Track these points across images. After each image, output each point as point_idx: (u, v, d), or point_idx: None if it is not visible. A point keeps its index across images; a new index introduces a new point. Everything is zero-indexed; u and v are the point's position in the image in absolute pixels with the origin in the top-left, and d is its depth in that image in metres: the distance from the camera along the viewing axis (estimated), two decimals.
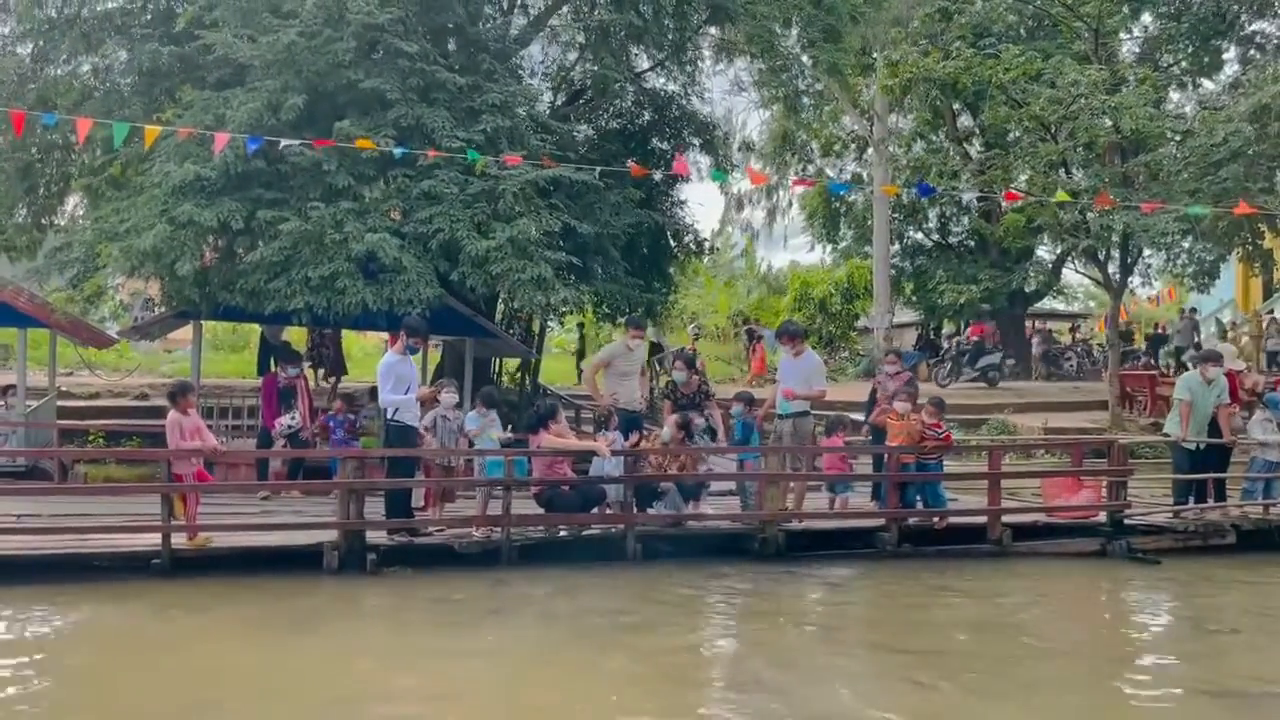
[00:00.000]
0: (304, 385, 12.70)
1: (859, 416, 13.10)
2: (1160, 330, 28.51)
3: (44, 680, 6.37)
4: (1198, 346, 22.55)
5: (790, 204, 33.40)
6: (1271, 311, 24.56)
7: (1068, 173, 17.08)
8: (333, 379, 16.83)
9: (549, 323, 19.64)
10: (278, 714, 5.78)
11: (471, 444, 9.84)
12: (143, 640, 7.29)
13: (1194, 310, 25.65)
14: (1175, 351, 23.54)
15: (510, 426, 10.42)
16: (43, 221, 16.44)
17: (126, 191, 12.96)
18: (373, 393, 11.59)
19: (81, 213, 16.28)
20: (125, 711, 5.85)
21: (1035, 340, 27.51)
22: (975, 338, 24.61)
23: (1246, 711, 6.14)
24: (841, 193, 27.40)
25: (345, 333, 17.35)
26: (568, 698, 6.08)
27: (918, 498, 10.49)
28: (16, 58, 15.33)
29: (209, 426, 10.13)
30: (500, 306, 17.16)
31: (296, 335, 17.77)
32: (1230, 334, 23.67)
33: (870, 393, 11.62)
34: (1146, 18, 21.56)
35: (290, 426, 12.08)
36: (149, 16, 14.87)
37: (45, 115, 12.56)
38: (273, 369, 13.27)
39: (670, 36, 17.40)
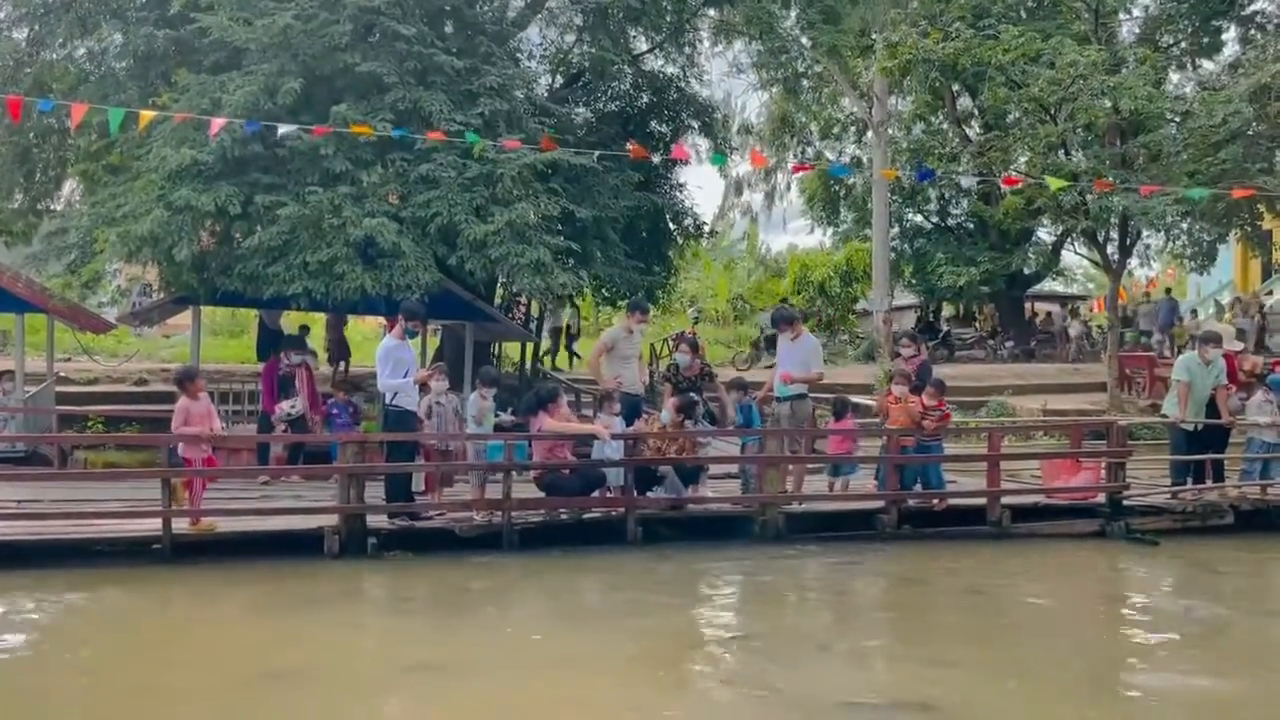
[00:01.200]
0: (306, 373, 12.58)
1: (858, 399, 13.12)
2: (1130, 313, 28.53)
3: (45, 665, 6.39)
4: (1171, 327, 22.74)
5: (789, 187, 33.40)
6: (1270, 293, 24.58)
7: (1067, 154, 17.04)
8: (337, 364, 16.83)
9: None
10: (281, 699, 5.80)
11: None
12: (144, 625, 7.31)
13: (1169, 290, 25.73)
14: (1138, 334, 23.57)
15: (511, 409, 10.42)
16: (39, 206, 16.43)
17: (123, 176, 12.93)
18: (352, 385, 11.53)
19: (78, 198, 16.26)
20: (126, 696, 5.87)
21: (1075, 324, 27.21)
22: None
23: (1246, 695, 6.17)
24: (841, 176, 27.35)
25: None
26: (569, 681, 6.10)
27: (916, 481, 10.51)
28: (12, 42, 15.28)
29: None
30: (499, 290, 17.16)
31: (315, 320, 17.71)
32: (1227, 315, 23.68)
33: (888, 376, 11.66)
34: None
35: (289, 414, 12.03)
36: (144, 0, 14.81)
37: (41, 101, 12.52)
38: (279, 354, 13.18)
39: (669, 18, 17.35)
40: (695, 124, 18.89)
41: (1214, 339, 11.28)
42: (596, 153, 13.34)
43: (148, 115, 11.23)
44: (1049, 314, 29.88)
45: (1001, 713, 5.68)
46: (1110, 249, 17.49)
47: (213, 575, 8.28)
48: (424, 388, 9.93)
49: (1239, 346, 14.29)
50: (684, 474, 10.10)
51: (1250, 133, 15.31)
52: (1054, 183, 14.05)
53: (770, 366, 18.62)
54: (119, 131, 11.86)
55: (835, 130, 30.49)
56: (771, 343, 21.89)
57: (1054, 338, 26.87)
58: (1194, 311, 25.82)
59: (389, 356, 9.47)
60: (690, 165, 19.61)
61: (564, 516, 9.68)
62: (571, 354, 23.62)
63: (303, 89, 12.21)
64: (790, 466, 10.44)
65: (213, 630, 7.06)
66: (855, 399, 12.87)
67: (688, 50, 18.90)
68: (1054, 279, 30.69)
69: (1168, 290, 25.86)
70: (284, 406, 12.05)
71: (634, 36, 18.11)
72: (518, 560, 8.97)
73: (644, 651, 6.68)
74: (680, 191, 18.92)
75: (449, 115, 12.49)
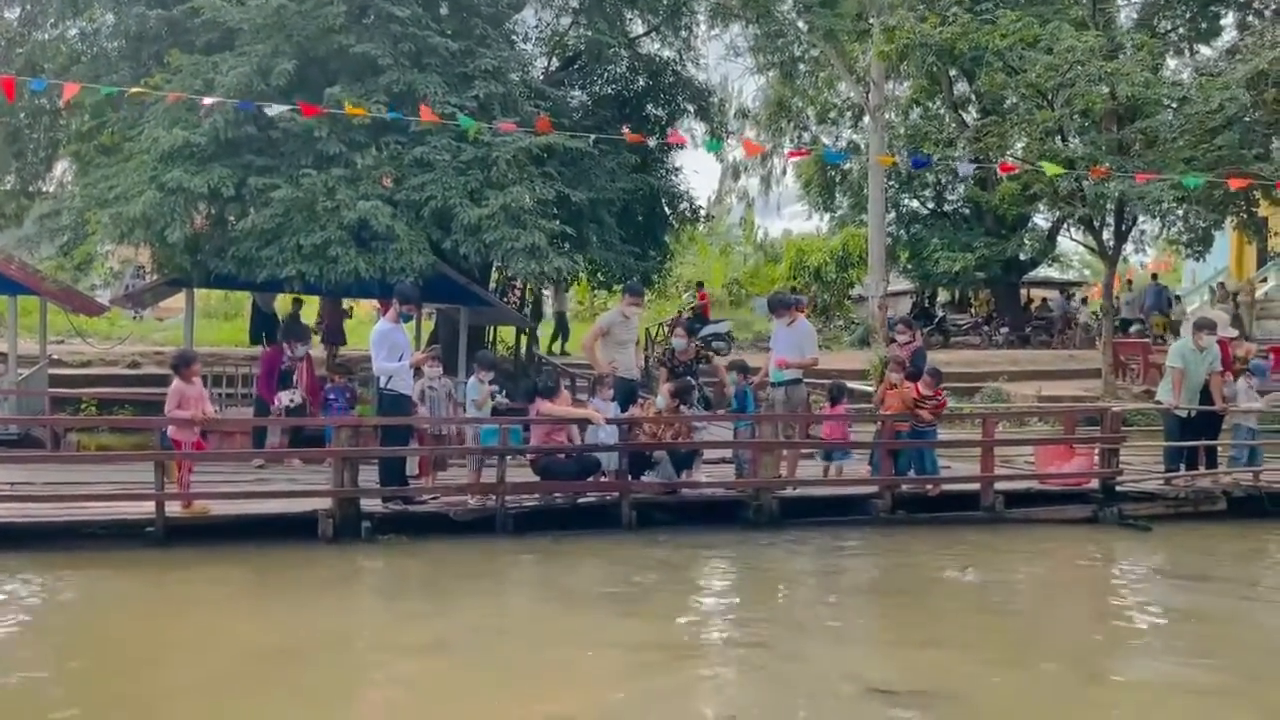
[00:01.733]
0: (306, 364, 12.20)
1: (853, 384, 13.13)
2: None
3: (36, 647, 6.38)
4: (1158, 312, 22.73)
5: (785, 171, 33.34)
6: (1265, 279, 24.59)
7: (1064, 140, 16.99)
8: (331, 346, 16.72)
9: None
10: (273, 682, 5.80)
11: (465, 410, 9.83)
12: (136, 608, 7.30)
13: (1155, 276, 25.80)
14: (1122, 323, 23.58)
15: (504, 391, 10.39)
16: (31, 188, 16.34)
17: (115, 157, 12.85)
18: (345, 369, 11.42)
19: (70, 179, 16.18)
20: (118, 679, 5.87)
21: (1083, 310, 27.09)
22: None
23: (1235, 681, 6.19)
24: (837, 162, 27.28)
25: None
26: (562, 665, 6.11)
27: (910, 467, 10.52)
28: (4, 22, 15.18)
29: None
30: (495, 274, 17.12)
31: (309, 300, 17.56)
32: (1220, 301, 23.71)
33: (884, 363, 11.68)
34: None
35: (289, 405, 11.89)
36: None
37: (33, 81, 12.41)
38: (266, 339, 13.04)
39: (665, 1, 17.24)
40: (691, 108, 18.81)
41: (1208, 325, 11.29)
42: (592, 136, 13.28)
43: (139, 91, 11.17)
44: (1044, 300, 29.89)
45: (994, 698, 5.69)
46: (1106, 235, 17.48)
47: (205, 558, 8.27)
48: (418, 371, 9.90)
49: (1233, 333, 14.29)
50: (678, 459, 10.10)
51: (1247, 119, 15.27)
52: (1050, 168, 14.01)
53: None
54: (110, 111, 11.76)
55: (832, 115, 30.39)
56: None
57: (1050, 324, 26.86)
58: (1176, 297, 25.88)
59: (384, 340, 9.43)
60: (687, 149, 19.58)
61: (558, 501, 9.68)
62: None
63: (296, 70, 12.13)
64: (784, 451, 10.45)
65: (205, 612, 7.05)
66: (850, 384, 12.88)
67: (684, 33, 18.81)
68: (1050, 265, 30.68)
69: (1154, 276, 25.88)
70: (283, 398, 11.93)
71: (630, 19, 18.01)
72: (512, 544, 8.98)
73: (638, 635, 6.69)
74: (676, 175, 18.87)
75: (443, 98, 12.42)
